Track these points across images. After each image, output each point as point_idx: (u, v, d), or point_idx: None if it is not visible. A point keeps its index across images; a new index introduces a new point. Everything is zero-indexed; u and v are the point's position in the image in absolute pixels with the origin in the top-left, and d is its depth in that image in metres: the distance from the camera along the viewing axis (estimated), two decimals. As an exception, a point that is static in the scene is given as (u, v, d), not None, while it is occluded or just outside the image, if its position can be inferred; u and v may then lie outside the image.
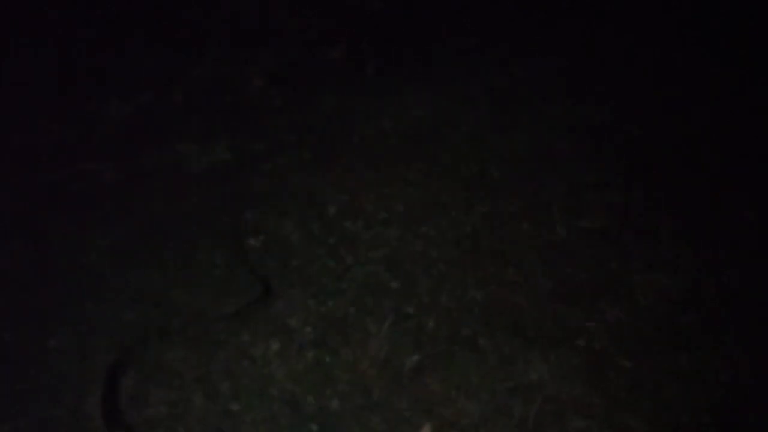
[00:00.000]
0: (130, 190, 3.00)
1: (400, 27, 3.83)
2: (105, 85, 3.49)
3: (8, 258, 2.58)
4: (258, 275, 2.46)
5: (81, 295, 2.37)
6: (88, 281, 2.44)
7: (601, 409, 2.07)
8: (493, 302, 2.42)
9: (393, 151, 3.20)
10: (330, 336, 2.25)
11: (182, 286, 2.42)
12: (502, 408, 2.06)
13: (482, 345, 2.21)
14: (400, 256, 2.61)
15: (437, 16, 3.90)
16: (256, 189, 2.98)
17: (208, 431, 1.99)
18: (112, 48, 3.56)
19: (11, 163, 3.14)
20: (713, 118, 3.34)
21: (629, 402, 2.10)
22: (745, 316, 2.38)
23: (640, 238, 2.68)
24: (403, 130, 3.35)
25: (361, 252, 2.63)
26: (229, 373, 2.11)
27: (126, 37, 3.58)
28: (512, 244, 2.66)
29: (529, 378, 2.13)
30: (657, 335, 2.34)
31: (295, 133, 3.34)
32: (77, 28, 3.63)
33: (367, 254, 2.61)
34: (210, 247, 2.61)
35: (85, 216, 2.84)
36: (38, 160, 3.18)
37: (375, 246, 2.65)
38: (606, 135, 3.24)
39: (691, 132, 3.24)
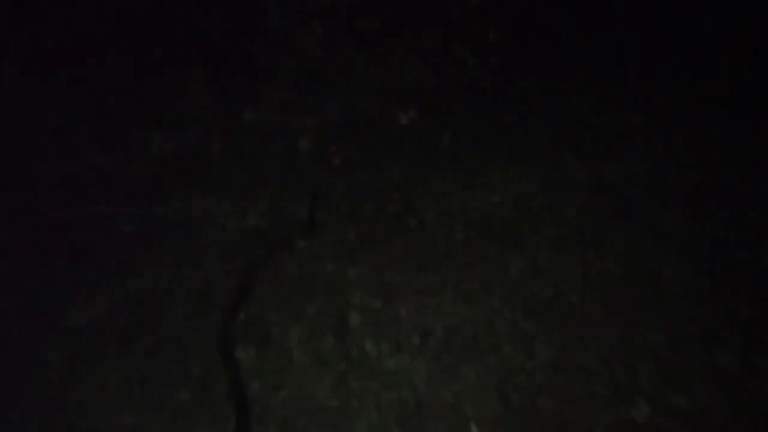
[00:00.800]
0: (137, 250, 2.56)
1: (490, 91, 3.17)
2: (151, 118, 3.06)
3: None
4: (232, 409, 1.92)
5: (8, 401, 1.92)
6: (32, 381, 1.99)
7: None
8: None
9: (453, 246, 2.59)
10: None
11: (132, 412, 1.92)
12: None
13: None
14: (422, 407, 2.00)
15: (536, 81, 3.21)
16: (277, 274, 2.46)
17: None
18: (168, 80, 3.12)
19: (24, 195, 2.78)
20: None
21: None
22: None
23: (756, 436, 1.94)
24: (473, 218, 2.72)
25: (373, 391, 2.03)
26: None
27: (183, 67, 3.15)
28: (576, 414, 1.99)
29: None
30: None
31: (346, 205, 2.80)
32: (134, 55, 3.24)
33: (379, 397, 2.02)
34: (188, 357, 2.11)
35: (74, 277, 2.42)
36: (55, 193, 2.81)
37: (393, 385, 2.05)
38: (727, 270, 2.46)
39: None
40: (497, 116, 3.06)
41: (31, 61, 3.19)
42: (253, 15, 3.10)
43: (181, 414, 1.92)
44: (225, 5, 3.12)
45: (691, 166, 2.88)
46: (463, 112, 3.04)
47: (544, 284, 2.41)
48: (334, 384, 2.04)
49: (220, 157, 2.94)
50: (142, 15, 3.09)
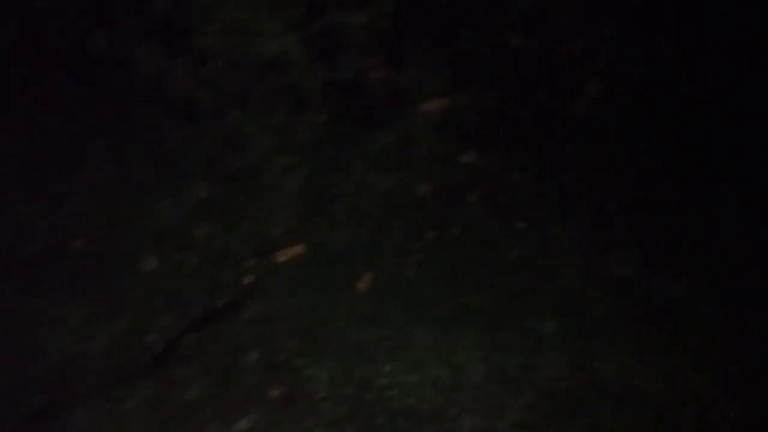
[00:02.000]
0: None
1: (438, 225, 2.25)
2: (37, 192, 2.50)
3: None
4: None
5: None
6: None
7: None
8: None
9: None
10: None
11: None
12: None
13: None
14: None
15: (513, 219, 2.22)
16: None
17: None
18: (75, 151, 2.55)
19: None
20: None
21: None
22: None
23: None
24: (374, 400, 1.95)
25: None
26: None
27: (96, 141, 2.56)
28: None
29: None
30: None
31: (221, 344, 2.12)
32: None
33: None
34: None
35: None
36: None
37: None
38: None
39: None
40: (443, 260, 2.18)
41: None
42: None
43: None
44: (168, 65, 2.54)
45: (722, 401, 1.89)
46: (391, 253, 2.20)
47: None
48: None
49: (94, 254, 2.35)
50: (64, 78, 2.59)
